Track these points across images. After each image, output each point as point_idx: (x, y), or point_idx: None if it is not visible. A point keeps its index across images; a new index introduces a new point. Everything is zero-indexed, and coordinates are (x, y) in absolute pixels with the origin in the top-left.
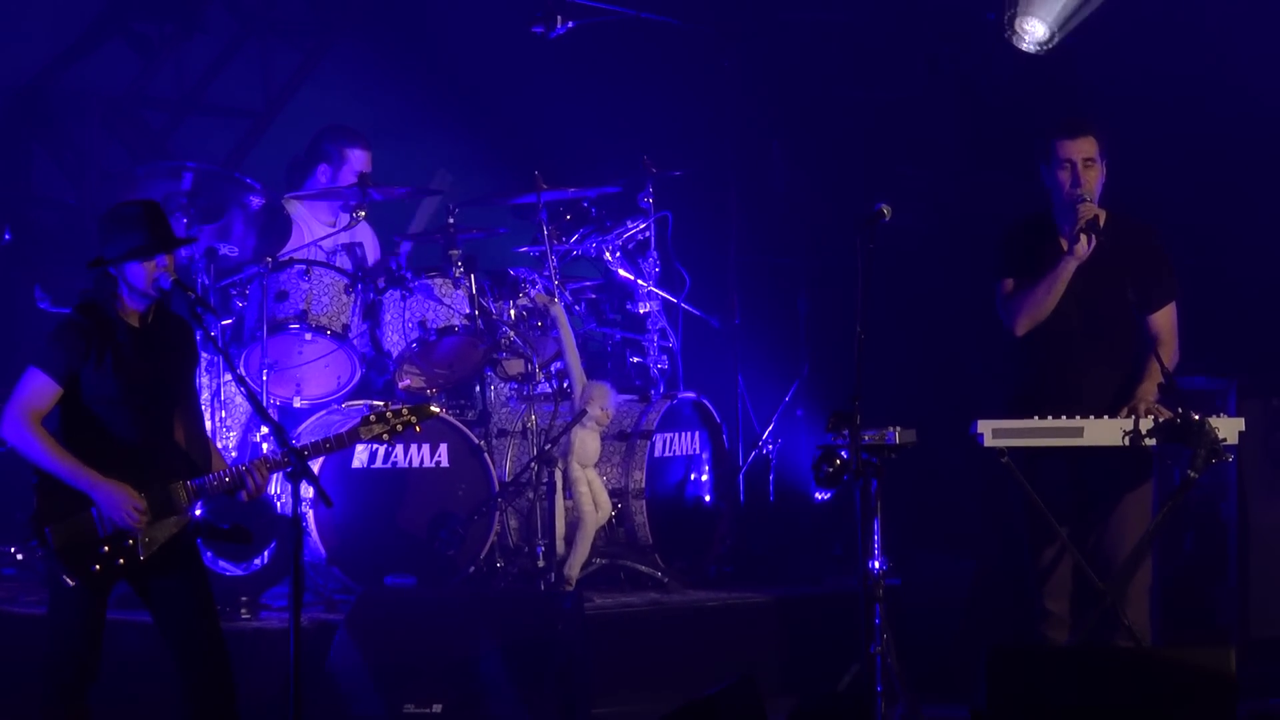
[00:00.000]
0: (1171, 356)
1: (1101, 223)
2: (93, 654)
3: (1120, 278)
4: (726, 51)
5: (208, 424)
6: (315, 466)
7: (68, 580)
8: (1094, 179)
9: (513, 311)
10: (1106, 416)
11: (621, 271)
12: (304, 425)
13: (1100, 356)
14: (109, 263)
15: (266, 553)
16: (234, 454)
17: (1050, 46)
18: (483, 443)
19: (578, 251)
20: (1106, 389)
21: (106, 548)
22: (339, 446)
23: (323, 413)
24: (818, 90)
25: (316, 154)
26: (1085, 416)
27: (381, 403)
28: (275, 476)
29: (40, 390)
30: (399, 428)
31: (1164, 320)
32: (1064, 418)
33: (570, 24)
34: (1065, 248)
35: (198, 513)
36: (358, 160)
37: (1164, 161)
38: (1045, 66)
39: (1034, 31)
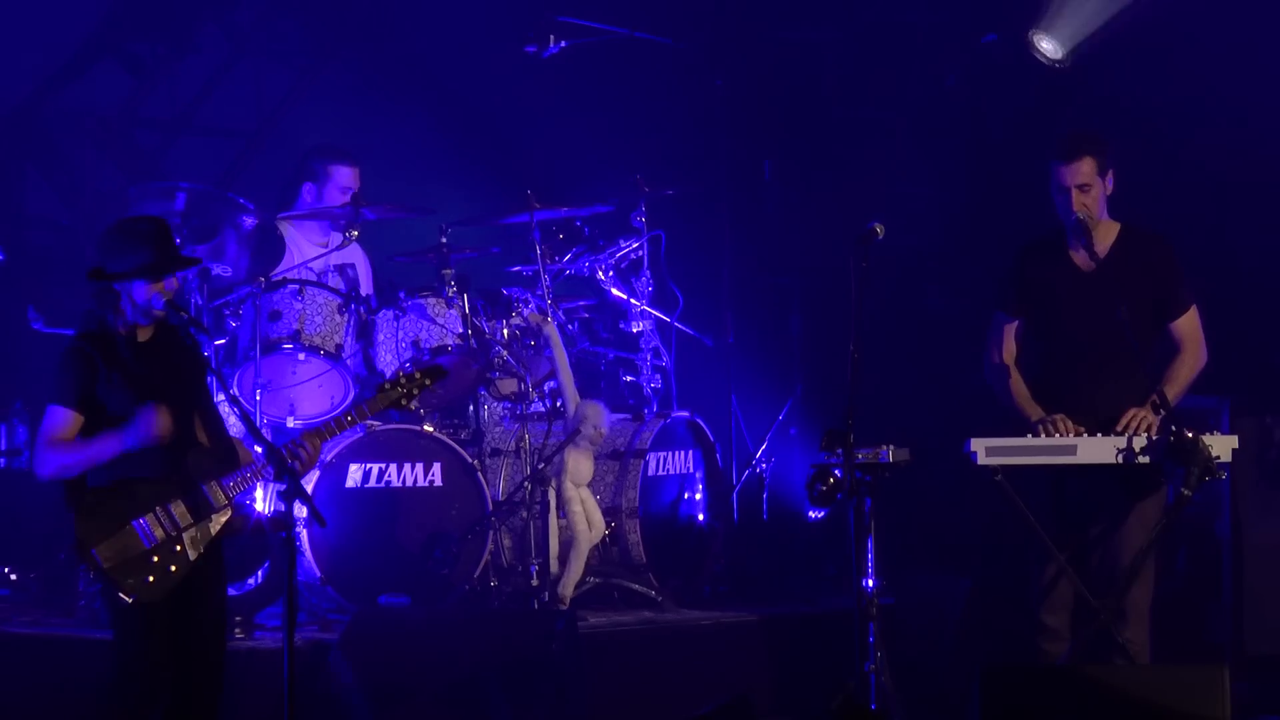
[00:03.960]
0: (1196, 361)
1: (1112, 237)
2: (161, 672)
3: (1133, 290)
4: (719, 71)
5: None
6: (309, 486)
7: (125, 598)
8: (1092, 200)
9: (506, 331)
10: (1100, 434)
11: (615, 291)
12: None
13: (1113, 372)
14: (113, 278)
15: (260, 572)
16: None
17: (1064, 64)
18: (476, 462)
19: (571, 271)
20: (1119, 404)
21: (156, 557)
22: (361, 418)
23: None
24: (809, 109)
25: (303, 173)
26: (1079, 433)
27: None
28: (269, 495)
29: (63, 424)
30: (415, 390)
31: (1187, 326)
32: (1057, 435)
33: (563, 44)
34: (1076, 265)
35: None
36: (343, 177)
37: (1158, 180)
38: (1045, 84)
39: (1049, 48)
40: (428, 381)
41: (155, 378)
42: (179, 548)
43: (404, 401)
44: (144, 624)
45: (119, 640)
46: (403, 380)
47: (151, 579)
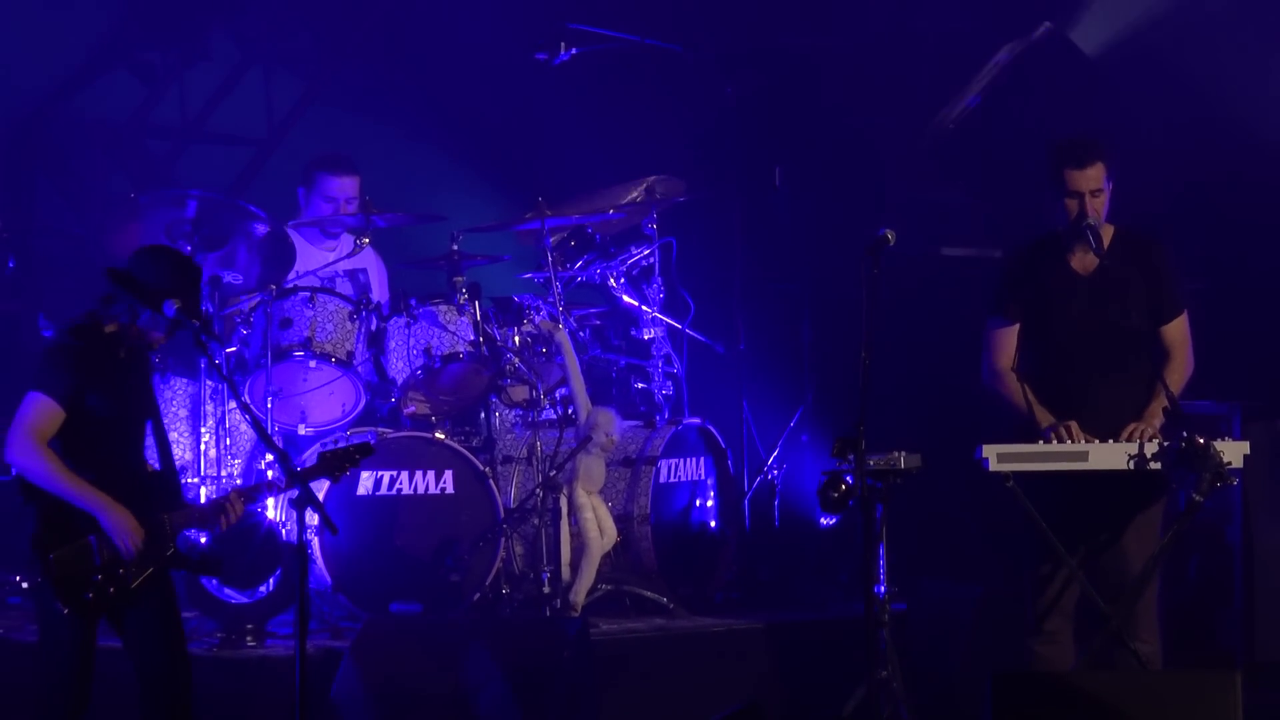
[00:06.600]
0: (1185, 368)
1: (1107, 240)
2: (84, 683)
3: (1130, 294)
4: (729, 78)
5: (212, 452)
6: (320, 493)
7: (61, 608)
8: (1101, 205)
9: (517, 338)
10: (1111, 440)
11: (626, 298)
12: (308, 453)
13: (1113, 377)
14: (157, 297)
15: (272, 580)
16: (238, 482)
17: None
18: (488, 469)
19: (582, 278)
20: (1121, 410)
21: (100, 576)
22: (283, 489)
23: (328, 440)
24: (820, 116)
25: (301, 178)
26: (1090, 440)
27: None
28: (281, 502)
29: (48, 416)
30: (346, 467)
31: (1175, 332)
32: (1069, 441)
33: (574, 51)
34: (1073, 268)
35: None
36: (330, 187)
37: (1168, 185)
38: (1060, 91)
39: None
40: (357, 457)
41: (134, 393)
42: (122, 571)
43: (336, 476)
44: (76, 634)
45: (46, 648)
46: (339, 453)
47: (91, 596)
